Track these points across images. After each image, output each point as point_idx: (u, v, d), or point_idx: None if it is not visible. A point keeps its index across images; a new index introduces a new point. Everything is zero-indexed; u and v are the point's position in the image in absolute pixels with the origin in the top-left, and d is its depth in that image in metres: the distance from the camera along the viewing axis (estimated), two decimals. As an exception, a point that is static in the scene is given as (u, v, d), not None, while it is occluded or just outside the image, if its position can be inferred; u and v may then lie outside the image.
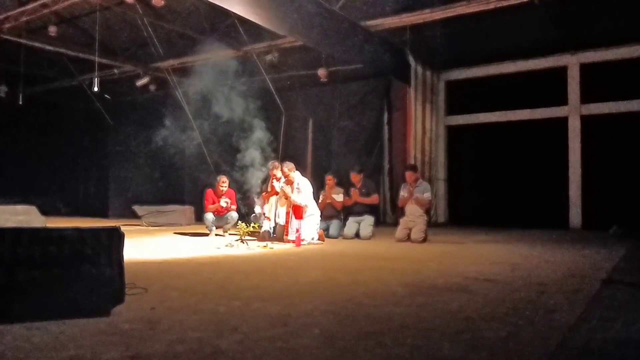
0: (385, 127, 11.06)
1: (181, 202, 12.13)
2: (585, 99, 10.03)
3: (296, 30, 7.87)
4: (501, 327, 2.49)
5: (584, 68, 10.05)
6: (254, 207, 8.52)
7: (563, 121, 10.26)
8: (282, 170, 7.59)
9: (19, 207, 9.05)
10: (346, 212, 8.30)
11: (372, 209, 8.25)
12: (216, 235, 8.15)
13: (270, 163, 7.99)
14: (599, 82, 9.78)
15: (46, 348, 2.12)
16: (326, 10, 8.27)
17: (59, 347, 2.14)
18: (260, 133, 8.94)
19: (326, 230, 7.97)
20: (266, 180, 8.17)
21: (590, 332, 2.41)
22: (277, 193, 7.68)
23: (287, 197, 7.38)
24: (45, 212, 9.84)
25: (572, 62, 10.17)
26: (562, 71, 10.27)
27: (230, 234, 8.08)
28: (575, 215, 9.99)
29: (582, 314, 2.77)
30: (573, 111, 10.17)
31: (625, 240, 7.21)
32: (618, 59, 9.62)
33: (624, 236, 7.83)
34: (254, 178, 8.53)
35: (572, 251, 6.04)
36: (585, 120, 10.05)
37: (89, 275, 2.64)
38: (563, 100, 10.25)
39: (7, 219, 8.24)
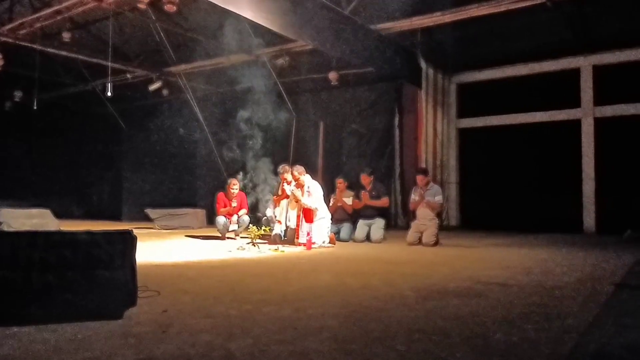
0: (396, 130, 11.02)
1: (193, 205, 12.21)
2: (599, 101, 9.92)
3: (307, 34, 7.88)
4: (514, 332, 2.47)
5: (597, 70, 9.95)
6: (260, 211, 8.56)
7: (576, 124, 10.15)
8: (292, 173, 7.60)
9: (34, 211, 9.19)
10: (357, 215, 8.28)
11: (382, 212, 8.22)
12: (228, 238, 8.19)
13: (280, 167, 8.01)
14: (612, 84, 9.68)
15: (60, 350, 2.15)
16: (336, 14, 8.28)
17: (73, 349, 2.17)
18: (271, 136, 8.98)
19: (337, 233, 7.96)
20: (277, 183, 8.19)
21: (604, 337, 2.38)
22: (287, 196, 7.70)
23: (297, 201, 7.39)
24: (59, 215, 9.98)
25: (584, 64, 10.07)
26: (574, 73, 10.17)
27: (241, 237, 8.11)
28: (589, 219, 9.87)
29: (596, 319, 2.74)
30: (586, 113, 10.07)
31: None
32: (631, 61, 9.52)
33: (638, 240, 7.73)
34: (265, 182, 8.58)
35: (586, 255, 5.97)
36: (599, 122, 9.94)
37: (102, 279, 2.66)
38: (576, 103, 10.15)
39: (23, 223, 8.37)
